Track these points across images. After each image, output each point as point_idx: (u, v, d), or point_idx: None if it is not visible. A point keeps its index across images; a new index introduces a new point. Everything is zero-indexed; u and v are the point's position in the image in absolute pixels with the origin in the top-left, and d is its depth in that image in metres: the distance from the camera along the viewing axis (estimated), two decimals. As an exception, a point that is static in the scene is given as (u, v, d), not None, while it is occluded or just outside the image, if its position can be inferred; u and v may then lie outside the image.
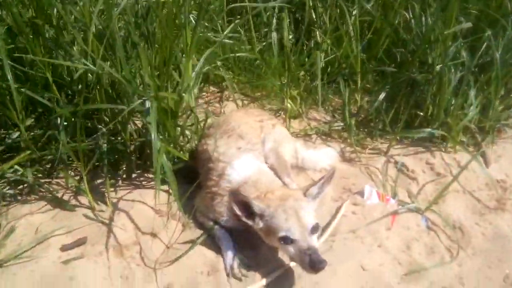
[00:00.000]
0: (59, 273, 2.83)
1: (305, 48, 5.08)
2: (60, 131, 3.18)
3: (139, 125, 3.68)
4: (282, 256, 3.08)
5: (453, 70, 3.97)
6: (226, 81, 4.36)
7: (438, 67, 3.98)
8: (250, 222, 2.86)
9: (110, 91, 3.40)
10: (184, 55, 3.53)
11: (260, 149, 3.48)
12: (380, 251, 3.23)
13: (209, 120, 3.69)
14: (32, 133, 3.46)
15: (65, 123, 3.23)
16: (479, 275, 3.13)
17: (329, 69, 5.03)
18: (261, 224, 2.83)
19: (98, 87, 3.29)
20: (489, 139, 4.23)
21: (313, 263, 2.62)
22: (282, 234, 2.72)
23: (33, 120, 3.47)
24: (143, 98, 3.05)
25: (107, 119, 3.60)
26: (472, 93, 4.08)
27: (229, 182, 3.10)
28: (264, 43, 5.06)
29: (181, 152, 3.48)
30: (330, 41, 4.88)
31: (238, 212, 2.84)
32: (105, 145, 3.33)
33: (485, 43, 4.10)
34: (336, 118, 4.62)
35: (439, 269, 3.16)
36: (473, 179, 3.92)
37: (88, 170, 3.30)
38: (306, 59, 4.95)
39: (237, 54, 4.78)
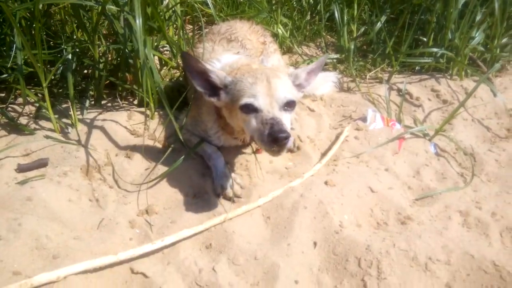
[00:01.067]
0: (14, 194, 2.33)
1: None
2: (13, 35, 2.63)
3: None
4: (279, 175, 2.69)
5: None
6: (210, 7, 3.87)
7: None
8: (213, 100, 2.37)
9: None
10: None
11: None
12: (388, 175, 2.87)
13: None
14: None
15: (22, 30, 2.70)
16: (496, 200, 2.81)
17: (318, 6, 4.64)
18: (225, 98, 2.33)
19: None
20: (494, 69, 3.91)
21: (274, 132, 2.09)
22: (244, 100, 2.21)
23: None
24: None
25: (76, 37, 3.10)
26: (479, 17, 3.74)
27: None
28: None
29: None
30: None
31: (197, 86, 2.32)
32: (70, 50, 2.78)
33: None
34: (330, 53, 4.23)
35: (453, 194, 2.83)
36: (481, 107, 3.61)
37: (49, 80, 2.76)
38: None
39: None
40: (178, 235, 2.18)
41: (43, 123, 2.98)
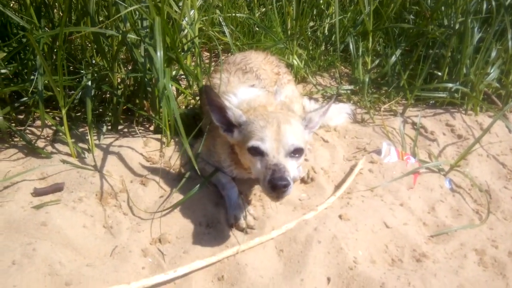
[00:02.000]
0: (29, 218, 2.33)
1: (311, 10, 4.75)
2: (35, 60, 2.69)
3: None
4: (292, 207, 2.68)
5: (475, 25, 3.63)
6: (227, 35, 3.94)
7: (458, 22, 3.65)
8: (227, 135, 2.42)
9: (97, 19, 2.94)
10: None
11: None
12: (403, 210, 2.84)
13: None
14: (5, 70, 2.97)
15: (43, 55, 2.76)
16: (513, 239, 2.76)
17: (334, 37, 4.70)
18: (237, 136, 2.38)
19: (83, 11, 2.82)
20: (510, 105, 3.90)
21: (273, 179, 2.10)
22: (251, 143, 2.24)
23: (5, 53, 2.98)
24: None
25: (94, 61, 3.16)
26: (494, 53, 3.76)
27: None
28: (263, 9, 4.71)
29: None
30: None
31: (215, 120, 2.38)
32: (90, 76, 2.84)
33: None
34: (344, 84, 4.26)
35: (468, 231, 2.80)
36: (496, 143, 3.59)
37: (68, 105, 2.81)
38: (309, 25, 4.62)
39: (237, 15, 4.41)
40: (190, 266, 2.17)
41: (59, 146, 3.01)
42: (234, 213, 2.51)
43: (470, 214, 2.96)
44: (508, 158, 3.49)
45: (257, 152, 2.26)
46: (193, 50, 3.15)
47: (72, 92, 3.17)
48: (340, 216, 2.62)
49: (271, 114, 2.37)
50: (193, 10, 3.13)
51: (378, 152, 3.25)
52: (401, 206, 2.85)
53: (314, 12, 4.81)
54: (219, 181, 2.68)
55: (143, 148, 2.96)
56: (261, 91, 2.80)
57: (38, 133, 3.12)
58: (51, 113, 3.17)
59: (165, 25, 2.62)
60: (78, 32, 3.06)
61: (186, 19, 3.11)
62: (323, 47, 4.61)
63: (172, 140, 3.07)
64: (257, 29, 4.52)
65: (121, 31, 2.81)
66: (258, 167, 2.26)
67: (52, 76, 2.64)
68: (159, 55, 2.39)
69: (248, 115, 2.39)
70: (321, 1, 4.61)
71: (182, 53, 3.03)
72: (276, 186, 2.11)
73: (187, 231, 2.47)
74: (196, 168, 2.58)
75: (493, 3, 3.67)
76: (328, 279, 2.28)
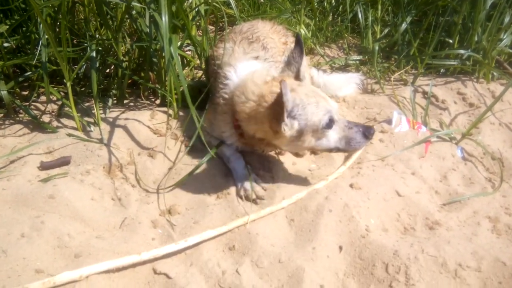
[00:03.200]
0: (37, 191, 2.32)
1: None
2: (39, 32, 2.63)
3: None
4: (303, 177, 2.64)
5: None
6: (233, 7, 3.83)
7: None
8: (287, 130, 2.30)
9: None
10: None
11: (279, 66, 3.01)
12: (415, 179, 2.79)
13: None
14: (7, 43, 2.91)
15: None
16: (528, 207, 2.71)
17: (341, 7, 4.59)
18: (295, 125, 2.30)
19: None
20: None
21: (366, 130, 2.41)
22: (325, 119, 2.30)
23: (7, 26, 2.92)
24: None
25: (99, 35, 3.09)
26: (507, 18, 3.64)
27: (226, 86, 2.60)
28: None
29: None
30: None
31: (283, 125, 2.27)
32: (94, 47, 2.78)
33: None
34: (352, 54, 4.16)
35: (481, 199, 2.74)
36: (508, 111, 3.51)
37: (72, 77, 2.76)
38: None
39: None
40: (201, 236, 2.14)
41: (65, 121, 2.99)
42: (243, 184, 2.48)
43: (482, 182, 2.90)
44: (521, 126, 3.42)
45: (331, 123, 2.34)
46: (199, 20, 3.07)
47: (76, 66, 3.12)
48: (351, 185, 2.57)
49: (299, 88, 2.36)
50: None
51: (389, 121, 3.19)
52: (413, 175, 2.80)
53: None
54: (224, 154, 2.65)
55: (149, 120, 2.93)
56: (261, 65, 2.73)
57: (43, 108, 3.10)
58: (55, 88, 3.14)
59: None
60: (81, 2, 3.00)
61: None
62: (330, 18, 4.50)
63: (179, 112, 3.02)
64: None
65: (125, -1, 2.74)
66: (334, 135, 2.39)
67: (56, 47, 2.58)
68: (164, 20, 2.32)
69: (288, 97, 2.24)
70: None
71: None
72: (372, 133, 2.43)
73: (196, 202, 2.45)
74: (203, 140, 2.54)
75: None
76: (340, 247, 2.25)
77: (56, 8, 2.87)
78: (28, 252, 1.99)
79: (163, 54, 2.47)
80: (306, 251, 2.19)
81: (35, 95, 3.15)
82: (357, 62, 3.91)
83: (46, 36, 2.62)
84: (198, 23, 3.29)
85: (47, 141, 2.73)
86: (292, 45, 3.20)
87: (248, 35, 2.93)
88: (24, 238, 2.04)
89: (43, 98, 3.22)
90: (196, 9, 2.95)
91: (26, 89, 3.24)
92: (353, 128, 2.40)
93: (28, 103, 3.08)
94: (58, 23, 2.91)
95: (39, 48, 2.68)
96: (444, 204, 2.68)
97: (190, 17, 3.04)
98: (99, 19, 3.04)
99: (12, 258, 1.94)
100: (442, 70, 3.83)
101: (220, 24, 3.82)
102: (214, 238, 2.22)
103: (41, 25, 2.67)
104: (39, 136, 2.82)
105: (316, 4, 4.53)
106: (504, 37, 3.64)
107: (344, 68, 3.94)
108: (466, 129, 3.13)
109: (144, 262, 2.06)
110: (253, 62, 2.74)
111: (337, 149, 2.47)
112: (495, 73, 3.68)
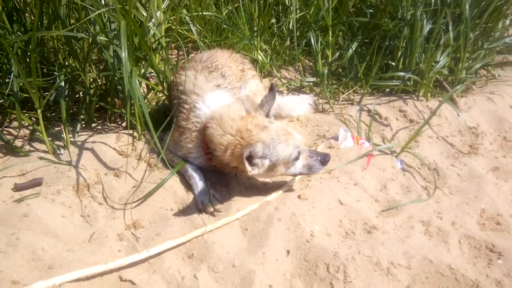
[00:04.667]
0: (12, 211, 2.54)
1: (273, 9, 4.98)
2: (10, 64, 2.87)
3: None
4: (257, 191, 2.94)
5: (424, 17, 3.94)
6: (194, 34, 4.15)
7: (409, 14, 3.95)
8: (255, 171, 2.67)
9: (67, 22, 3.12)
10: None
11: (238, 93, 3.35)
12: (357, 189, 3.12)
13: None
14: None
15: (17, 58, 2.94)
16: (457, 210, 3.06)
17: (298, 32, 4.95)
18: (266, 163, 2.68)
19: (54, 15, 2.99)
20: (459, 90, 4.23)
21: (324, 157, 2.87)
22: (294, 153, 2.72)
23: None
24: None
25: (67, 63, 3.35)
26: (444, 39, 4.07)
27: (197, 116, 2.91)
28: (230, 7, 4.92)
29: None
30: (299, 2, 4.81)
31: (248, 168, 2.61)
32: (63, 77, 3.03)
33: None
34: (307, 76, 4.52)
35: (416, 205, 3.09)
36: (445, 126, 3.90)
37: (43, 105, 3.00)
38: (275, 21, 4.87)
39: (204, 13, 4.61)
40: (162, 246, 2.41)
41: (36, 145, 3.20)
42: (201, 199, 2.76)
43: (418, 190, 3.25)
44: (456, 139, 3.81)
45: (299, 155, 2.77)
46: (161, 50, 3.36)
47: (46, 93, 3.35)
48: (299, 196, 2.89)
49: (271, 128, 2.72)
50: (159, 12, 3.34)
51: (336, 138, 3.53)
52: (355, 185, 3.13)
53: (280, 9, 5.05)
54: (186, 171, 2.93)
55: (115, 143, 3.18)
56: (228, 97, 3.07)
57: (15, 133, 3.30)
58: (26, 114, 3.35)
59: (133, 26, 2.83)
60: (50, 36, 3.25)
61: (153, 20, 3.32)
62: (288, 42, 4.85)
63: (143, 135, 3.29)
64: (225, 26, 4.73)
65: (91, 33, 3.00)
66: (300, 164, 2.82)
67: (26, 78, 2.83)
68: (124, 55, 2.61)
69: (257, 137, 2.65)
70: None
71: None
72: (328, 160, 2.89)
73: (159, 216, 2.71)
74: (165, 159, 2.83)
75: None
76: (288, 252, 2.54)
77: (25, 42, 3.12)
78: (5, 266, 2.21)
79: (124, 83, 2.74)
80: (257, 256, 2.48)
81: (8, 120, 3.36)
82: (311, 83, 4.26)
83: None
84: (160, 53, 3.58)
85: (20, 164, 2.94)
86: (249, 71, 3.55)
87: (208, 64, 3.23)
88: (1, 254, 2.26)
89: (14, 123, 3.43)
90: (157, 41, 3.22)
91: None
92: (314, 156, 2.85)
93: (0, 129, 3.29)
94: (28, 54, 3.16)
95: (11, 79, 2.90)
96: (382, 211, 3.01)
97: (153, 47, 3.32)
98: (67, 49, 3.27)
99: (-11, 272, 2.16)
100: (387, 90, 4.22)
101: (183, 51, 4.12)
102: (175, 248, 2.48)
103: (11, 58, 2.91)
104: (12, 160, 3.03)
105: (275, 29, 4.90)
106: (441, 59, 4.06)
107: (300, 89, 4.29)
108: (405, 143, 3.49)
109: (111, 271, 2.31)
110: (218, 92, 3.06)
111: (301, 174, 2.92)
112: (433, 92, 4.08)
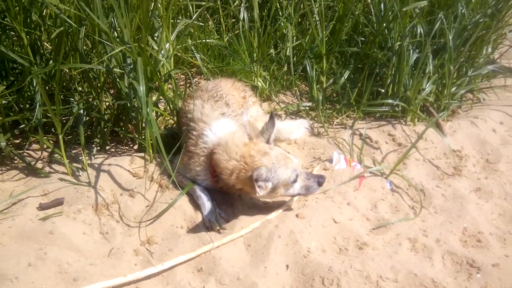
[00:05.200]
0: (38, 228, 2.82)
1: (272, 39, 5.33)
2: (35, 93, 3.17)
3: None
4: (258, 210, 3.23)
5: (411, 48, 4.29)
6: (198, 61, 4.47)
7: (397, 45, 4.30)
8: (259, 192, 2.93)
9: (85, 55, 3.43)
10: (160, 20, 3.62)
11: (240, 120, 3.67)
12: (350, 208, 3.42)
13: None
14: (4, 101, 3.42)
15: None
16: (441, 228, 3.36)
17: (295, 58, 5.29)
18: (269, 185, 2.97)
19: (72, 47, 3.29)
20: (444, 115, 4.57)
21: (320, 178, 3.16)
22: (292, 176, 3.01)
23: (4, 87, 3.43)
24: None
25: (82, 89, 3.65)
26: (429, 69, 4.42)
27: (205, 142, 3.21)
28: (230, 35, 5.25)
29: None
30: (295, 31, 5.15)
31: (257, 189, 2.90)
32: (82, 105, 3.34)
33: (438, 25, 4.45)
34: (304, 100, 4.84)
35: (404, 223, 3.38)
36: (432, 149, 4.22)
37: (64, 131, 3.29)
38: (273, 50, 5.20)
39: (207, 41, 4.93)
40: (174, 260, 2.69)
41: (56, 167, 3.48)
42: (208, 217, 3.06)
43: (406, 210, 3.55)
44: (441, 161, 4.13)
45: (297, 178, 3.07)
46: (170, 80, 3.67)
47: (64, 118, 3.65)
48: (296, 215, 3.18)
49: (271, 152, 3.03)
50: (167, 44, 3.67)
51: (330, 160, 3.83)
52: (348, 205, 3.43)
53: (277, 36, 5.39)
54: (195, 192, 3.23)
55: (129, 165, 3.47)
56: (232, 124, 3.37)
57: (34, 155, 3.58)
58: (45, 137, 3.63)
59: (146, 61, 3.15)
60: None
61: (162, 52, 3.64)
62: (285, 68, 5.18)
63: (154, 158, 3.58)
64: (226, 53, 5.05)
65: (105, 65, 3.31)
66: (298, 186, 3.10)
67: (50, 106, 3.13)
68: (142, 89, 2.93)
69: (259, 163, 2.95)
70: (283, 27, 5.16)
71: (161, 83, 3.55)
72: (323, 181, 3.18)
73: (170, 233, 3.00)
74: (175, 181, 3.13)
75: (420, 29, 4.34)
76: (287, 266, 2.83)
77: (47, 72, 3.43)
78: (35, 278, 2.48)
79: (140, 111, 3.05)
80: (259, 270, 2.76)
81: (28, 143, 3.64)
82: (307, 108, 4.58)
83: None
84: (169, 83, 3.89)
85: (43, 185, 3.22)
86: (250, 98, 3.87)
87: (213, 93, 3.55)
88: (31, 267, 2.53)
89: (34, 146, 3.71)
90: (167, 74, 3.54)
91: (18, 138, 3.73)
92: (311, 179, 3.13)
93: (22, 151, 3.57)
94: (48, 83, 3.46)
95: (36, 107, 3.19)
96: (373, 229, 3.30)
97: (164, 78, 3.64)
98: (83, 77, 3.58)
99: (22, 283, 2.43)
100: (378, 115, 4.54)
101: (190, 80, 4.44)
102: (185, 262, 2.76)
103: (37, 87, 3.21)
104: (34, 181, 3.31)
105: (273, 55, 5.23)
106: (426, 87, 4.40)
107: (297, 113, 4.61)
108: (393, 165, 3.81)
109: (129, 283, 2.58)
110: (223, 120, 3.37)
111: (299, 194, 3.20)
112: (420, 117, 4.41)
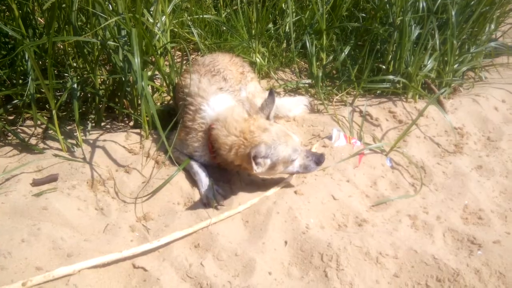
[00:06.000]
0: (32, 204, 2.76)
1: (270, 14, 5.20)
2: (28, 68, 3.08)
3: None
4: (256, 187, 3.18)
5: (413, 23, 4.18)
6: (195, 37, 4.36)
7: (398, 20, 4.19)
8: (256, 169, 2.87)
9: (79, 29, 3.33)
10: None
11: (238, 95, 3.58)
12: (349, 185, 3.37)
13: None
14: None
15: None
16: (441, 206, 3.32)
17: (294, 34, 5.18)
18: (268, 162, 2.91)
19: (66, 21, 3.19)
20: (446, 93, 4.49)
21: (319, 157, 3.07)
22: (294, 155, 2.95)
23: (-3, 61, 3.35)
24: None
25: (76, 64, 3.56)
26: (431, 44, 4.32)
27: (203, 118, 3.14)
28: (228, 10, 5.13)
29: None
30: (295, 6, 5.04)
31: (254, 166, 2.84)
32: (76, 79, 3.24)
33: (441, 1, 4.34)
34: (303, 78, 4.75)
35: (404, 200, 3.34)
36: (432, 126, 4.16)
37: (57, 106, 3.21)
38: (272, 25, 5.08)
39: (204, 16, 4.81)
40: (171, 236, 2.64)
41: (50, 143, 3.41)
42: (206, 194, 3.00)
43: (406, 187, 3.51)
44: (442, 138, 4.07)
45: (297, 156, 2.99)
46: (166, 54, 3.57)
47: (58, 93, 3.57)
48: (295, 192, 3.13)
49: (272, 130, 2.95)
50: (164, 17, 3.56)
51: (330, 137, 3.77)
52: (348, 182, 3.38)
53: (277, 12, 5.27)
54: (192, 168, 3.16)
55: (125, 141, 3.40)
56: (230, 99, 3.27)
57: (28, 131, 3.52)
58: (39, 113, 3.55)
59: (141, 33, 3.05)
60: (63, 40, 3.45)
61: (159, 25, 3.53)
62: (284, 45, 5.08)
63: (150, 134, 3.51)
64: (224, 28, 4.95)
65: (100, 38, 3.21)
66: (297, 164, 3.03)
67: (43, 81, 3.04)
68: (137, 61, 2.83)
69: (259, 139, 2.88)
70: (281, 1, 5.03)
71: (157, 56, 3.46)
72: (323, 160, 3.08)
73: (167, 209, 2.94)
74: (172, 157, 3.07)
75: (422, 4, 4.23)
76: (285, 242, 2.79)
77: (41, 45, 3.33)
78: (29, 253, 2.43)
79: (136, 86, 2.96)
80: (257, 246, 2.72)
81: (22, 119, 3.57)
82: (306, 85, 4.50)
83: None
84: (165, 59, 3.79)
85: (36, 161, 3.15)
86: (248, 74, 3.78)
87: (210, 68, 3.46)
88: (25, 243, 2.48)
89: (28, 122, 3.64)
90: (163, 47, 3.44)
91: (12, 114, 3.66)
92: (309, 157, 3.07)
93: (15, 127, 3.50)
94: (43, 57, 3.36)
95: (28, 82, 3.10)
96: (372, 206, 3.26)
97: (160, 52, 3.54)
98: (78, 52, 3.48)
99: (16, 258, 2.38)
100: (378, 92, 4.46)
101: (187, 55, 4.34)
102: (182, 238, 2.72)
103: (29, 61, 3.11)
104: (28, 157, 3.24)
105: (272, 31, 5.12)
106: (428, 63, 4.31)
107: (296, 90, 4.52)
108: (394, 142, 3.74)
109: (124, 259, 2.53)
110: (221, 95, 3.28)
111: (298, 172, 3.14)
112: (421, 94, 4.34)
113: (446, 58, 4.49)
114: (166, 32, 3.51)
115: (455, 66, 4.64)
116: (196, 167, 3.15)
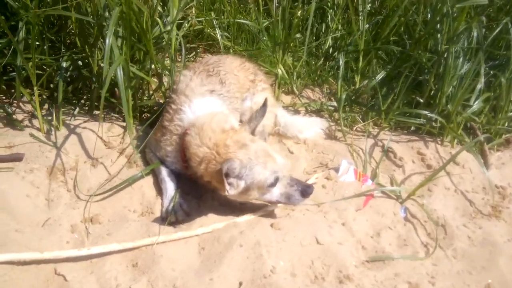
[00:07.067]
0: (-22, 180, 2.53)
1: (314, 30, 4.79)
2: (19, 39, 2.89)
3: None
4: (231, 210, 2.74)
5: (461, 54, 3.56)
6: (218, 37, 4.03)
7: (443, 48, 3.58)
8: (228, 189, 2.44)
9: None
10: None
11: (236, 103, 3.17)
12: (343, 230, 2.82)
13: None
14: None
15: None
16: (455, 279, 2.69)
17: (330, 50, 4.72)
18: (242, 184, 2.47)
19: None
20: (494, 143, 3.79)
21: (307, 188, 2.58)
22: (270, 180, 2.47)
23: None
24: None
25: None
26: (479, 86, 3.66)
27: (181, 120, 2.76)
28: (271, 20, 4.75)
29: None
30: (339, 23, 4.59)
31: (227, 186, 2.41)
32: (67, 57, 3.05)
33: (498, 33, 3.67)
34: (332, 101, 4.25)
35: (408, 263, 2.73)
36: (468, 179, 3.49)
37: (39, 83, 3.00)
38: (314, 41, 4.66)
39: (239, 21, 4.46)
40: (105, 247, 2.28)
41: (35, 122, 3.20)
42: (167, 206, 2.61)
43: (417, 246, 2.89)
44: (477, 196, 3.38)
45: (276, 182, 2.52)
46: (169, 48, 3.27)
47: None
48: (271, 225, 2.65)
49: (251, 145, 2.50)
50: (174, 10, 3.25)
51: (337, 169, 3.25)
52: (342, 226, 2.84)
53: (322, 28, 4.84)
54: (160, 174, 2.80)
55: (106, 132, 3.11)
56: (219, 105, 2.87)
57: (24, 108, 3.34)
58: (39, 91, 3.36)
59: (129, 13, 2.74)
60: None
61: (169, 18, 3.24)
62: (321, 61, 4.62)
63: (136, 130, 3.20)
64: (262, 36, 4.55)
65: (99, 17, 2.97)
66: (277, 191, 2.57)
67: (22, 54, 2.83)
68: (107, 41, 2.55)
69: (233, 155, 2.44)
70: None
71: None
72: (310, 192, 2.57)
73: (119, 215, 2.60)
74: (146, 158, 2.73)
75: (477, 35, 3.59)
76: (240, 283, 2.31)
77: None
78: None
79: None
80: (203, 281, 2.27)
81: (22, 95, 3.40)
82: (331, 108, 4.00)
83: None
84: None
85: (11, 137, 2.95)
86: (260, 83, 3.37)
87: (210, 67, 3.09)
88: None
89: (25, 98, 3.47)
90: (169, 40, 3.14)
91: (13, 88, 3.51)
92: (294, 186, 2.57)
93: (8, 101, 3.34)
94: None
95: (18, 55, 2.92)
96: (366, 261, 2.69)
97: (165, 42, 3.24)
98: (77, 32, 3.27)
99: None
100: (412, 128, 3.86)
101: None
102: (121, 253, 2.34)
103: (20, 33, 2.93)
104: (9, 132, 3.04)
105: (314, 49, 4.67)
106: (474, 104, 3.66)
107: (318, 112, 4.03)
108: (413, 189, 3.14)
109: (48, 261, 2.20)
110: (209, 98, 2.88)
111: (278, 202, 2.67)
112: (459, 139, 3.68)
113: (501, 103, 3.80)
114: (173, 25, 3.19)
115: (511, 113, 3.92)
116: (164, 173, 2.77)
